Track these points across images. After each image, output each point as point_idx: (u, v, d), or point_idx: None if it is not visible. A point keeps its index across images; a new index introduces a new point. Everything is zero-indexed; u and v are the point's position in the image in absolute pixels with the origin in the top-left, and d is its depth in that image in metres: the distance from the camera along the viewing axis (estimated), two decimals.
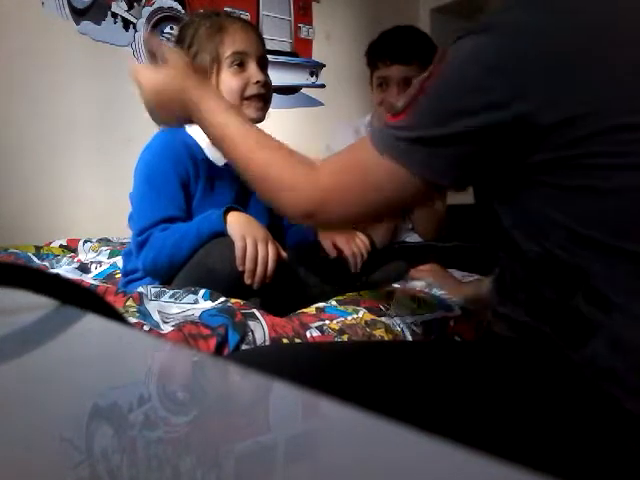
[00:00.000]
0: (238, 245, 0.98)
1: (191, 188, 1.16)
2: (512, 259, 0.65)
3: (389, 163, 0.63)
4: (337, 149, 1.85)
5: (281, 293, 1.06)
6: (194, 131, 1.21)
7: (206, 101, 0.82)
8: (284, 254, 1.05)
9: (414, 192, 0.64)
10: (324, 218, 0.71)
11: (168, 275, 1.08)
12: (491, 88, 0.57)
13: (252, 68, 1.19)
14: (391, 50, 1.68)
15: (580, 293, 0.56)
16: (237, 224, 1.02)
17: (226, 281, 0.99)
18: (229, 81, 1.18)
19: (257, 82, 1.19)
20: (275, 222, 1.31)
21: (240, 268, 0.98)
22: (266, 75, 1.23)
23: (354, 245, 1.20)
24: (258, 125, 1.26)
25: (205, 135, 0.87)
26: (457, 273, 1.33)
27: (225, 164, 1.21)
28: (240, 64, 1.19)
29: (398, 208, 0.74)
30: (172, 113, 0.87)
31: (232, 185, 1.22)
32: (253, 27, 1.29)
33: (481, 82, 0.58)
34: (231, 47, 1.18)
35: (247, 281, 0.99)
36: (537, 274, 0.61)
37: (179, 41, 1.25)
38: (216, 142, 0.83)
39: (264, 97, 1.22)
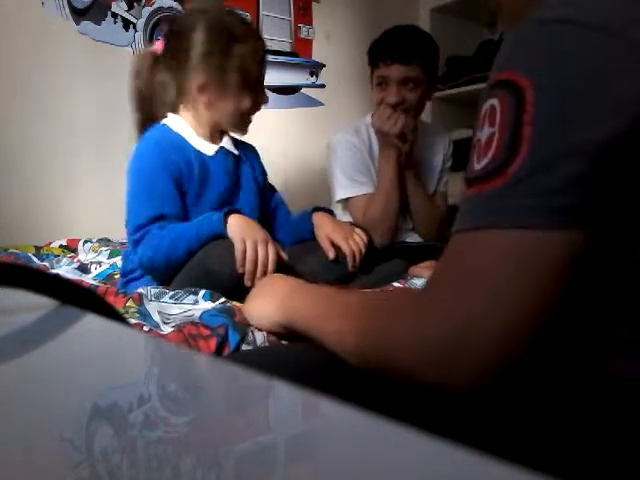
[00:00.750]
0: (238, 247, 0.99)
1: (184, 184, 1.17)
2: None
3: (539, 234, 0.45)
4: (338, 148, 1.85)
5: None
6: (179, 126, 1.21)
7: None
8: (284, 255, 1.05)
9: (572, 250, 0.45)
10: (472, 352, 0.45)
11: (165, 274, 1.08)
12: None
13: (261, 90, 1.24)
14: (391, 49, 1.67)
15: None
16: (237, 226, 1.02)
17: (225, 283, 1.00)
18: (246, 105, 1.21)
19: (261, 103, 1.24)
20: (265, 216, 1.32)
21: (240, 270, 0.98)
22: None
23: (352, 242, 1.20)
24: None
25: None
26: None
27: (215, 153, 1.23)
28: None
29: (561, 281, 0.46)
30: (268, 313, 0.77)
31: (223, 174, 1.23)
32: (259, 36, 1.30)
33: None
34: (253, 72, 1.20)
35: (247, 283, 0.99)
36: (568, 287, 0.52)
37: (180, 36, 1.20)
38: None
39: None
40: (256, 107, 1.23)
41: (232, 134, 1.29)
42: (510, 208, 0.45)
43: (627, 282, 0.52)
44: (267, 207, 1.36)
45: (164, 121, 1.23)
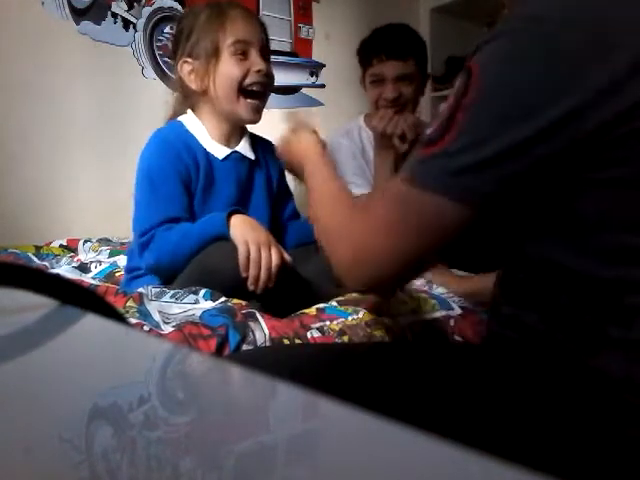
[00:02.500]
0: (241, 250, 0.96)
1: (192, 185, 1.16)
2: (527, 265, 0.62)
3: (439, 199, 0.55)
4: (331, 152, 1.84)
5: (282, 296, 1.05)
6: (192, 126, 1.20)
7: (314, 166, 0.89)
8: (288, 258, 1.03)
9: (459, 225, 0.56)
10: (357, 273, 0.62)
11: (170, 275, 1.08)
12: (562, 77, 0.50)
13: (254, 57, 1.17)
14: (386, 45, 1.67)
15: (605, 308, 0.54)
16: (240, 228, 1.00)
17: (227, 285, 0.98)
18: (230, 70, 1.16)
19: (258, 71, 1.16)
20: (276, 221, 1.31)
21: (243, 274, 0.96)
22: (268, 65, 1.20)
23: None
24: (253, 126, 1.26)
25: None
26: (459, 273, 1.32)
27: (224, 158, 1.21)
28: (242, 53, 1.16)
29: (440, 247, 0.60)
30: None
31: (233, 179, 1.22)
32: (255, 15, 1.26)
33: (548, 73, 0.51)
34: (233, 35, 1.15)
35: (250, 287, 0.97)
36: (558, 283, 0.58)
37: (179, 32, 1.23)
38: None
39: (262, 93, 1.19)
40: (252, 72, 1.16)
41: (252, 132, 1.28)
42: (425, 172, 0.56)
43: (619, 277, 0.52)
44: (279, 213, 1.35)
45: (180, 118, 1.22)
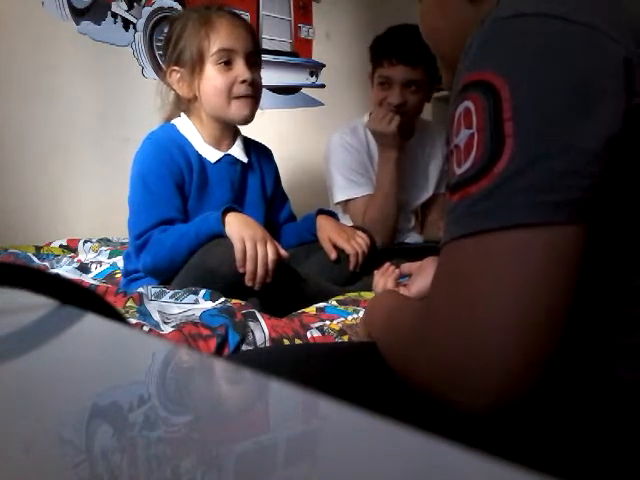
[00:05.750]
0: (237, 246, 0.98)
1: (186, 187, 1.16)
2: None
3: (541, 231, 0.41)
4: (335, 150, 1.83)
5: (281, 292, 1.06)
6: (185, 129, 1.21)
7: None
8: (284, 252, 1.04)
9: (576, 249, 0.43)
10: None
11: (168, 275, 1.08)
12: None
13: (239, 66, 1.16)
14: (399, 49, 1.66)
15: None
16: (235, 225, 1.01)
17: (225, 282, 0.99)
18: (214, 79, 1.16)
19: (244, 81, 1.16)
20: (271, 220, 1.32)
21: (241, 270, 0.97)
22: (256, 73, 1.20)
23: (355, 243, 1.20)
24: (246, 125, 1.26)
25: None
26: None
27: (217, 161, 1.22)
28: (227, 62, 1.16)
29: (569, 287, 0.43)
30: None
31: (226, 182, 1.22)
32: (242, 21, 1.25)
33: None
34: (216, 44, 1.15)
35: (248, 283, 0.98)
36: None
37: (168, 38, 1.24)
38: None
39: (252, 96, 1.20)
40: (237, 83, 1.16)
41: (245, 136, 1.28)
42: (506, 207, 0.42)
43: (631, 287, 0.51)
44: (274, 216, 1.35)
45: (174, 121, 1.23)
